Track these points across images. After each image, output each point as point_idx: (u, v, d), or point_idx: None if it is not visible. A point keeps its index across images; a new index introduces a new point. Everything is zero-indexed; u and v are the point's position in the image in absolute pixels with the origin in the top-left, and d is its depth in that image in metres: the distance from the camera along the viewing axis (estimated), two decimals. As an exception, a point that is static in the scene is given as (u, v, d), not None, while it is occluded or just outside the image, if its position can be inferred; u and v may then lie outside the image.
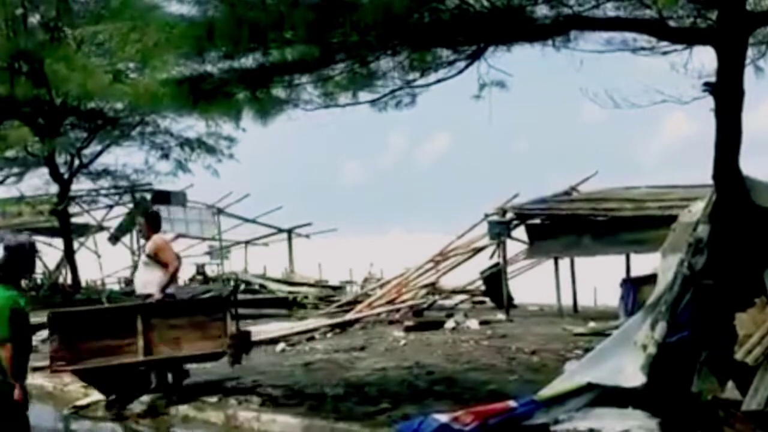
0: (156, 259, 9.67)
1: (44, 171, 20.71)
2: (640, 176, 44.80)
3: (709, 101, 7.29)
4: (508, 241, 17.51)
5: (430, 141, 78.93)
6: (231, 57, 8.21)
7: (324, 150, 62.12)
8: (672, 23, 8.04)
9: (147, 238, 10.07)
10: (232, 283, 22.87)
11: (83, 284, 21.68)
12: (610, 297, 15.69)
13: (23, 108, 17.69)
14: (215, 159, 20.91)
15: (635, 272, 15.87)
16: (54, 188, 20.62)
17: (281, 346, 12.97)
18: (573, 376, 7.26)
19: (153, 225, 10.06)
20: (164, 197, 23.19)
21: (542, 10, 7.90)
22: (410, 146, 79.73)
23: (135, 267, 18.85)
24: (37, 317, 6.88)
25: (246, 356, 9.81)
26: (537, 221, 17.41)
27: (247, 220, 27.22)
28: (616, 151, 57.48)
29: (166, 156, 20.96)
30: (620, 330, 7.68)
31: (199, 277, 24.90)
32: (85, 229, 24.94)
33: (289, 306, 19.52)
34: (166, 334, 9.18)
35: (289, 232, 27.50)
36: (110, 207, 25.70)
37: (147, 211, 12.25)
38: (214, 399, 9.24)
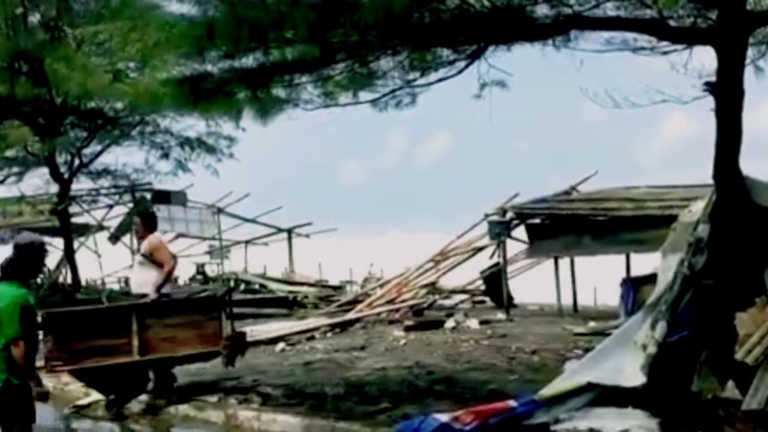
0: (152, 258, 9.67)
1: (44, 170, 20.64)
2: (640, 176, 44.90)
3: (709, 101, 7.30)
4: (508, 241, 17.52)
5: (430, 141, 78.75)
6: (231, 56, 8.20)
7: (324, 150, 62.01)
8: (672, 23, 8.04)
9: (142, 238, 10.08)
10: (231, 282, 22.90)
11: (83, 284, 21.65)
12: (610, 297, 15.73)
13: (23, 108, 17.62)
14: (215, 158, 20.81)
15: (635, 272, 15.89)
16: (54, 188, 20.55)
17: (281, 345, 12.98)
18: (573, 375, 7.26)
19: (148, 225, 10.06)
20: (164, 197, 23.16)
21: (542, 10, 7.90)
22: (410, 146, 79.54)
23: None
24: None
25: (241, 357, 9.77)
26: (537, 221, 17.43)
27: (247, 220, 27.20)
28: (616, 151, 57.37)
29: (166, 155, 20.88)
30: (620, 330, 7.68)
31: (199, 277, 24.93)
32: (85, 229, 24.90)
33: (289, 305, 19.53)
34: (161, 334, 9.18)
35: (289, 231, 27.47)
36: (110, 207, 25.64)
37: (142, 211, 12.24)
38: (214, 398, 9.26)
